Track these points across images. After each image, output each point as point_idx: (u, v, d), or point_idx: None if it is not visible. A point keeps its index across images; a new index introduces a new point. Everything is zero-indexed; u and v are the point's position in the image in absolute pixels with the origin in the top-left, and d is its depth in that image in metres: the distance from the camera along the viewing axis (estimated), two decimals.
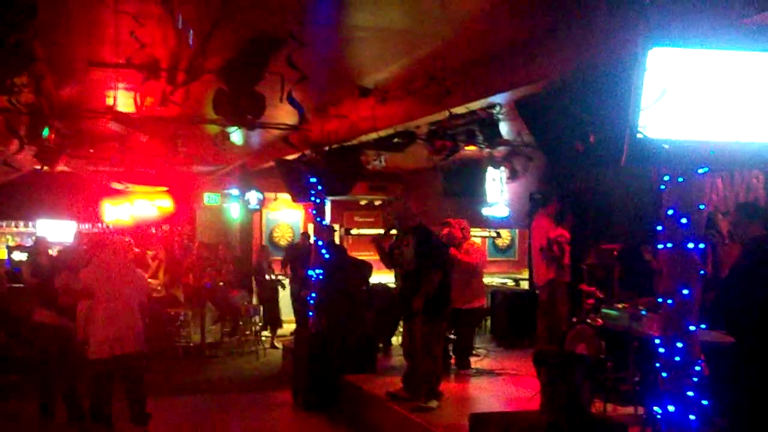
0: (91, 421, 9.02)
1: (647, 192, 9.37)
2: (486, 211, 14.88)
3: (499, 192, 14.70)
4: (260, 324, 15.20)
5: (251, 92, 7.51)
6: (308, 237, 15.43)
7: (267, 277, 15.29)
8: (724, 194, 9.01)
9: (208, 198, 18.60)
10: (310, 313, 11.46)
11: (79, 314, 8.93)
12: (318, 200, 11.56)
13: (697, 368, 5.23)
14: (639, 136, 4.74)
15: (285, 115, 10.18)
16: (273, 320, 15.19)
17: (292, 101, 7.63)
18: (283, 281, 15.39)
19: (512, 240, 19.19)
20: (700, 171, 5.30)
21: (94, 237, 11.50)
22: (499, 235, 17.61)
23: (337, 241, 16.28)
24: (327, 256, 11.43)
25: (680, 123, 4.74)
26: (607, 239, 10.21)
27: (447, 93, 8.16)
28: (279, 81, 7.46)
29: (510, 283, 16.01)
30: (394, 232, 9.21)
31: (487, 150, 10.90)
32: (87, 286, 8.74)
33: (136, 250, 15.47)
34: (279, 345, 14.53)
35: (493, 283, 15.62)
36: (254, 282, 15.93)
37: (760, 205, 8.20)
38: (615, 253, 9.81)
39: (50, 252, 12.00)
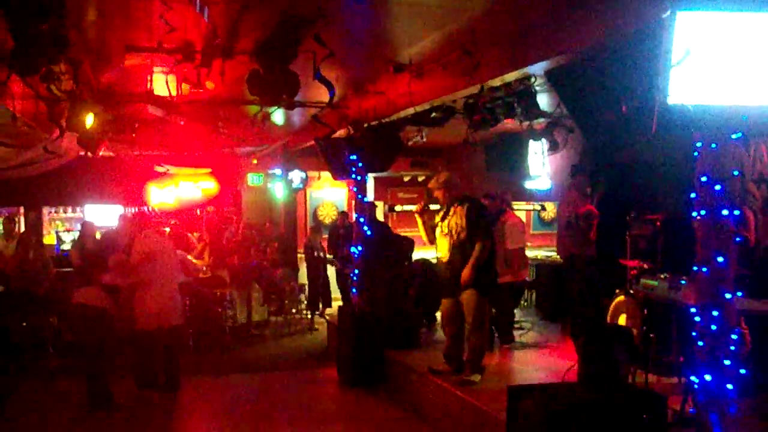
0: (140, 388, 9.73)
1: (686, 159, 9.26)
2: (529, 185, 14.82)
3: (541, 165, 14.62)
4: (305, 302, 15.30)
5: (285, 71, 7.52)
6: (346, 216, 15.60)
7: (316, 254, 15.33)
8: None
9: (252, 179, 18.72)
10: (353, 290, 11.54)
11: (123, 292, 9.45)
12: (358, 177, 11.57)
13: (734, 337, 5.15)
14: (669, 102, 4.68)
15: (322, 93, 10.20)
16: (322, 298, 15.28)
17: (321, 78, 7.63)
18: (330, 260, 15.46)
19: (557, 213, 19.04)
20: (734, 137, 5.21)
21: (140, 219, 11.64)
22: (543, 208, 17.50)
23: (380, 217, 16.37)
24: (369, 233, 11.45)
25: (710, 88, 4.67)
26: (649, 209, 10.11)
27: (477, 66, 8.10)
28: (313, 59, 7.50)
29: (555, 255, 15.91)
30: (433, 207, 9.12)
31: (527, 123, 10.81)
32: (137, 264, 9.45)
33: (182, 232, 15.74)
34: (324, 320, 14.60)
35: (538, 257, 15.56)
36: (305, 261, 15.99)
37: None
38: (658, 223, 9.71)
39: (97, 236, 12.20)
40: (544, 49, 7.07)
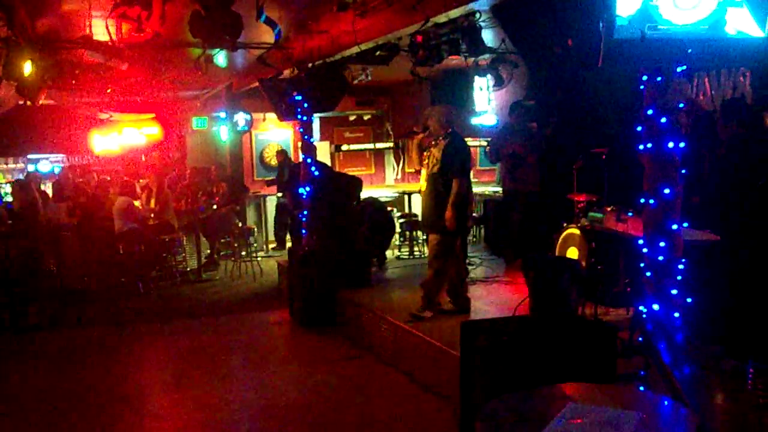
0: None
1: (630, 93, 9.33)
2: (475, 121, 14.85)
3: (487, 101, 14.64)
4: (255, 245, 15.28)
5: (227, 12, 7.38)
6: (285, 154, 16.09)
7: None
8: (711, 93, 8.94)
9: (196, 122, 18.49)
10: (303, 231, 11.52)
11: None
12: (304, 118, 11.47)
13: (681, 267, 5.27)
14: (614, 36, 4.71)
15: (265, 34, 10.04)
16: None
17: (266, 20, 7.52)
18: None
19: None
20: (679, 69, 5.26)
21: (83, 168, 11.49)
22: (489, 144, 17.56)
23: (327, 157, 16.46)
24: (316, 173, 11.39)
25: (656, 21, 4.70)
26: (594, 143, 10.20)
27: (420, 2, 8.01)
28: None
29: (500, 191, 16.01)
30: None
31: (472, 59, 10.81)
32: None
33: (126, 178, 15.58)
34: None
35: (486, 192, 15.66)
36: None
37: (744, 102, 8.15)
38: (603, 156, 9.82)
39: (42, 186, 12.02)
40: None
